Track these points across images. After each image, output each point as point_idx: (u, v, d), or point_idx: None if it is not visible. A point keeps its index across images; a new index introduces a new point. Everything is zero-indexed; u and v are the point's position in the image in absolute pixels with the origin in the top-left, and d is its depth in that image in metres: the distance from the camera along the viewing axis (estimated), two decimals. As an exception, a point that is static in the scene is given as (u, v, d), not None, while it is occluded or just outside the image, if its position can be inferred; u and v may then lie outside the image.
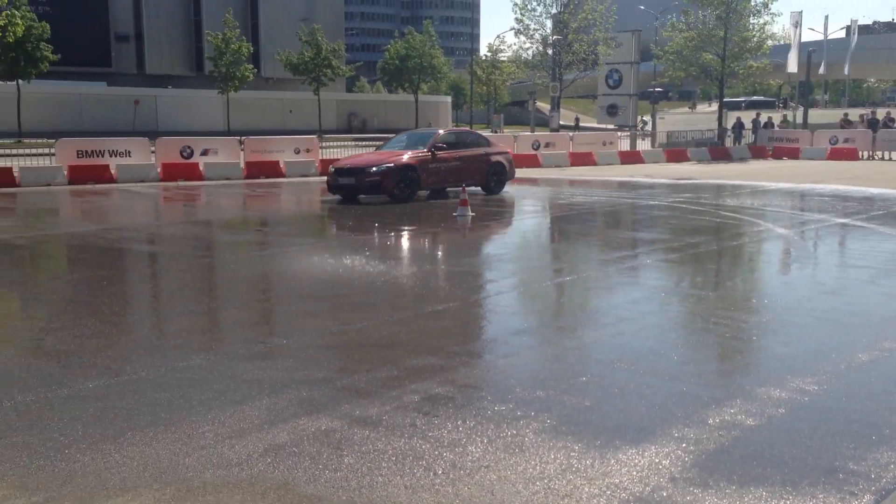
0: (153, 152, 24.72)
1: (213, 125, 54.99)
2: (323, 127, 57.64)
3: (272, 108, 64.73)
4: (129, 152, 24.18)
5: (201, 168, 24.67)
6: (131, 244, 12.21)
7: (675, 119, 49.18)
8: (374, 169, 17.73)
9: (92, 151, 23.50)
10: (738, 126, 39.11)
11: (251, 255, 11.46)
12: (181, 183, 23.33)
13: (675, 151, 34.78)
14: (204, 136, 32.05)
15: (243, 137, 27.98)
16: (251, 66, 55.08)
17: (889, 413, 5.12)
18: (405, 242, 13.14)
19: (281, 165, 26.05)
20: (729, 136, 38.76)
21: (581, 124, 63.65)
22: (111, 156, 23.71)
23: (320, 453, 4.52)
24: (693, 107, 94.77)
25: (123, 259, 11.27)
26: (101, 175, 22.82)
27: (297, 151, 26.89)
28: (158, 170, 23.98)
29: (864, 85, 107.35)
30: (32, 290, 9.49)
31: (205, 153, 25.21)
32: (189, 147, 25.05)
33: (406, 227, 14.94)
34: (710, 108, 72.68)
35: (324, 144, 29.94)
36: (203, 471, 4.30)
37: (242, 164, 25.64)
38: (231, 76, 52.36)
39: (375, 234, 13.71)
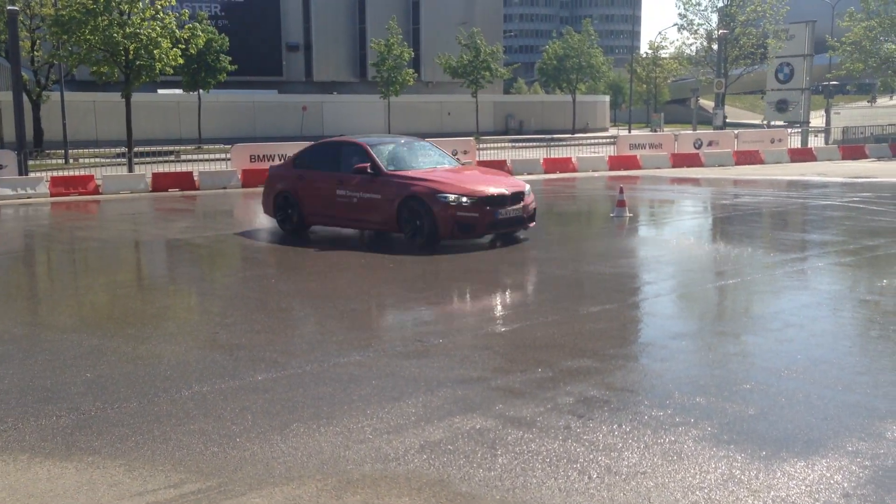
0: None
1: (375, 128, 56.73)
2: (480, 129, 58.21)
3: (431, 110, 65.97)
4: (297, 157, 25.36)
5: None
6: (308, 244, 12.78)
7: (853, 114, 46.16)
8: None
9: (263, 156, 24.83)
10: None
11: (409, 254, 11.72)
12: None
13: (852, 148, 32.67)
14: (366, 139, 33.10)
15: (403, 140, 28.66)
16: (412, 70, 56.43)
17: None
18: (560, 242, 13.04)
19: (438, 167, 26.51)
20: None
21: (730, 121, 60.49)
22: (281, 160, 24.92)
23: (475, 452, 4.57)
24: (872, 100, 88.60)
25: (290, 258, 11.83)
26: (271, 178, 24.04)
27: (455, 153, 27.28)
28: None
29: None
30: (208, 286, 10.14)
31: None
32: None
33: (560, 227, 14.80)
34: (891, 102, 67.78)
35: (481, 146, 30.24)
36: (362, 464, 4.46)
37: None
38: (392, 81, 53.84)
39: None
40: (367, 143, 12.99)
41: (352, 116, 61.04)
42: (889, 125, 37.47)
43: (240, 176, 23.86)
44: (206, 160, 27.89)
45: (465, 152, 27.56)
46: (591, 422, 4.98)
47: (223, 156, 26.59)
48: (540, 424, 4.95)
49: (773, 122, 42.02)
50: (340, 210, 12.74)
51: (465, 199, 11.53)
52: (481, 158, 28.32)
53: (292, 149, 25.76)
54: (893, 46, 36.75)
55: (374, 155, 12.51)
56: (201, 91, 45.75)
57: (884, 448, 4.48)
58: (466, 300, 8.68)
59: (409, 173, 12.29)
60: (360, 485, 4.21)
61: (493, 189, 11.85)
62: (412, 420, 5.06)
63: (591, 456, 4.49)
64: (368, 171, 12.29)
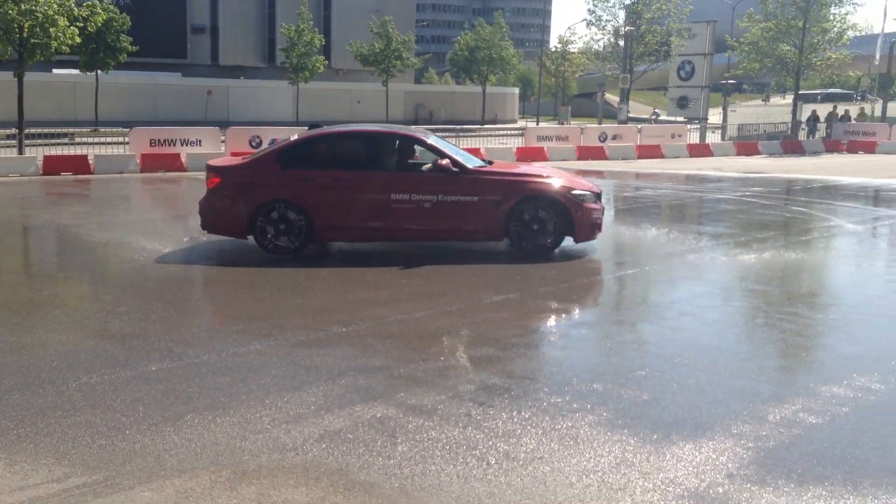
0: (223, 142, 25.20)
1: (283, 116, 55.83)
2: (390, 118, 57.95)
3: (341, 99, 65.31)
4: (200, 141, 24.70)
5: (270, 158, 25.07)
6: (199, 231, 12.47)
7: (748, 112, 47.89)
8: None
9: (164, 140, 24.09)
10: (813, 119, 37.95)
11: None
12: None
13: (746, 145, 33.94)
14: (273, 126, 32.57)
15: (311, 128, 28.30)
16: (322, 57, 55.71)
17: (962, 416, 4.92)
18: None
19: (347, 156, 26.30)
20: (803, 130, 37.67)
21: (631, 115, 62.62)
22: (182, 145, 24.26)
23: (375, 440, 4.56)
24: (766, 99, 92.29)
25: (191, 246, 11.52)
26: (172, 163, 23.35)
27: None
28: (228, 159, 24.45)
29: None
30: (101, 274, 9.79)
31: (273, 143, 25.58)
32: (258, 137, 25.45)
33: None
34: (784, 101, 70.69)
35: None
36: (259, 454, 4.38)
37: (310, 155, 25.97)
38: (302, 67, 53.03)
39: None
40: (419, 134, 11.03)
41: (259, 102, 59.91)
42: (781, 123, 39.08)
43: (138, 160, 23.09)
44: (103, 143, 26.88)
45: (374, 141, 27.40)
46: (491, 409, 5.03)
47: (121, 139, 25.68)
48: (441, 412, 4.97)
49: (660, 118, 43.27)
50: (396, 219, 10.21)
51: (593, 195, 10.43)
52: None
53: (196, 134, 25.16)
54: (787, 48, 38.27)
55: (447, 149, 10.53)
56: (100, 72, 44.03)
57: (766, 430, 4.68)
58: (371, 289, 8.62)
59: (496, 169, 10.74)
60: (256, 476, 4.14)
61: (591, 184, 11.00)
62: (312, 409, 5.01)
63: (491, 442, 4.54)
64: (453, 168, 10.13)
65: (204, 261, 10.19)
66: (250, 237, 10.21)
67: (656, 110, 61.63)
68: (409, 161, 10.55)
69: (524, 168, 11.59)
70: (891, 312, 7.63)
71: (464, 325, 7.00)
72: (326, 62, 58.58)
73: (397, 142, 10.79)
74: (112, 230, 12.87)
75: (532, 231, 10.16)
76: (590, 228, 10.33)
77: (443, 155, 10.23)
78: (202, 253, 10.62)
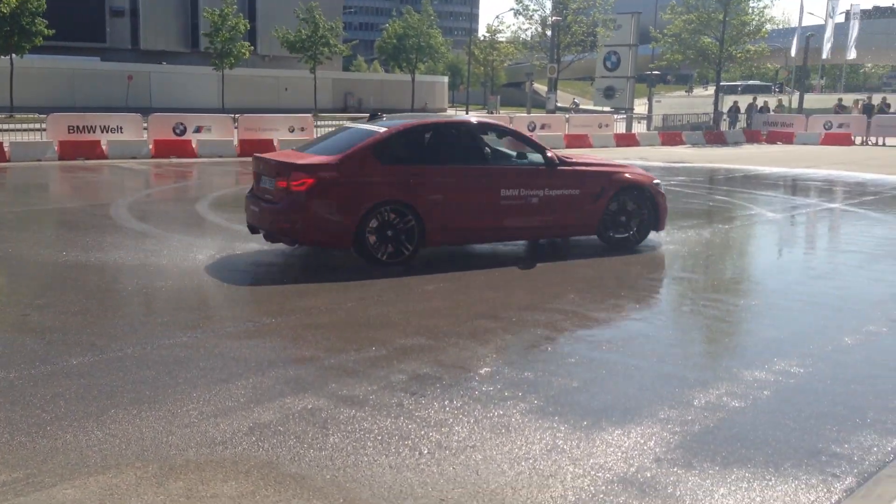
0: (146, 129, 24.54)
1: (208, 102, 54.62)
2: (318, 106, 57.36)
3: (267, 86, 64.33)
4: (121, 128, 23.99)
5: (194, 145, 24.51)
6: (120, 221, 12.13)
7: (672, 102, 49.01)
8: None
9: (83, 127, 23.32)
10: (734, 110, 39.04)
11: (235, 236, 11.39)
12: (173, 160, 23.21)
13: (671, 135, 34.69)
14: (198, 113, 31.87)
15: (237, 115, 27.81)
16: (247, 43, 54.72)
17: (873, 397, 5.12)
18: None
19: (275, 143, 25.89)
20: (724, 120, 38.68)
21: (582, 107, 63.54)
22: (103, 132, 23.51)
23: (305, 432, 4.51)
24: (690, 90, 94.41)
25: (112, 236, 11.21)
26: (91, 151, 22.65)
27: (292, 130, 26.75)
28: (150, 146, 23.80)
29: (861, 70, 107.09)
30: (18, 266, 9.43)
31: (198, 130, 25.05)
32: (182, 124, 24.88)
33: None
34: (706, 92, 72.50)
35: (318, 123, 29.82)
36: (186, 449, 4.29)
37: (236, 142, 25.51)
38: (227, 53, 51.99)
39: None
40: (508, 125, 10.72)
41: (182, 88, 58.55)
42: (703, 114, 40.06)
43: (56, 148, 22.31)
44: (19, 130, 25.90)
45: (303, 129, 27.07)
46: (423, 399, 5.03)
47: (38, 126, 24.78)
48: (373, 402, 4.95)
49: (580, 107, 43.87)
50: (506, 216, 9.51)
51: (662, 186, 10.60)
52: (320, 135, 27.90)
53: (116, 120, 24.40)
54: (709, 40, 39.21)
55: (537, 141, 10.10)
56: (14, 56, 42.38)
57: (692, 415, 4.79)
58: (299, 280, 8.52)
59: (587, 160, 10.61)
60: (184, 470, 4.05)
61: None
62: (241, 402, 4.93)
63: (423, 432, 4.53)
64: (556, 160, 9.69)
65: (124, 251, 9.91)
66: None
67: (575, 99, 63.21)
68: (502, 153, 9.94)
69: (602, 159, 11.40)
70: (808, 298, 7.90)
71: (397, 315, 6.98)
72: (252, 48, 57.60)
73: (494, 133, 10.17)
74: (31, 221, 12.43)
75: (621, 223, 10.07)
76: (665, 219, 10.48)
77: (540, 147, 9.72)
78: (123, 244, 10.33)
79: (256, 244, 9.90)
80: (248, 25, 55.18)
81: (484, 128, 10.15)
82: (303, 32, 58.02)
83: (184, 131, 24.77)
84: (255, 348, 5.99)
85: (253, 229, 9.62)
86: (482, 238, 9.84)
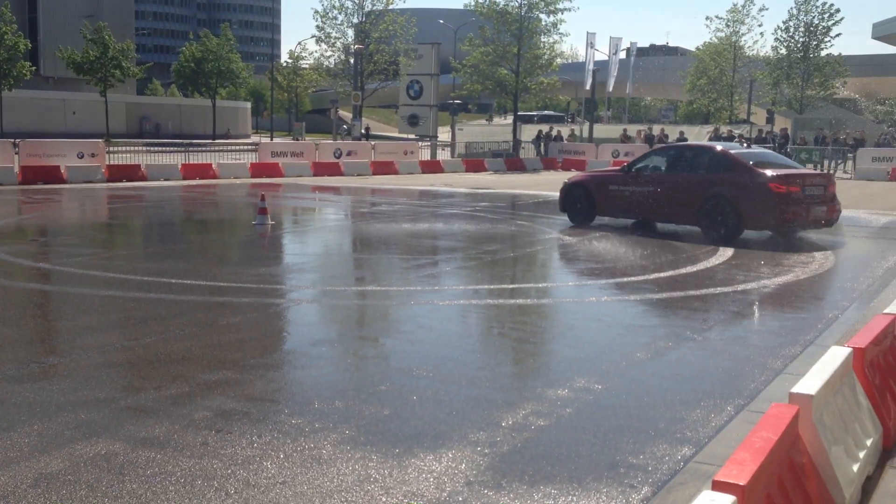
0: None
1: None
2: (111, 131, 54.45)
3: (53, 108, 60.36)
4: None
5: (-32, 172, 22.53)
6: None
7: (474, 130, 50.70)
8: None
9: None
10: (539, 139, 40.99)
11: (31, 269, 10.54)
12: (-55, 188, 21.18)
13: (474, 161, 35.86)
14: (-27, 137, 29.33)
15: (18, 140, 25.81)
16: (29, 63, 51.12)
17: (663, 408, 5.47)
18: (200, 250, 12.58)
19: (62, 171, 24.31)
20: (523, 148, 40.50)
21: (372, 132, 63.93)
22: None
23: (99, 480, 4.19)
24: (490, 119, 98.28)
25: None
26: None
27: (81, 156, 25.20)
28: (-84, 174, 21.63)
29: (642, 103, 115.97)
30: None
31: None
32: (-46, 149, 22.79)
33: (201, 235, 14.30)
34: (505, 121, 75.66)
35: (111, 149, 28.28)
36: (-40, 508, 3.87)
37: (17, 169, 23.67)
38: (5, 74, 48.31)
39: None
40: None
41: (-46, 110, 53.65)
42: (504, 142, 41.80)
43: None
44: None
45: (94, 155, 25.56)
46: (229, 435, 4.83)
47: None
48: (174, 443, 4.69)
49: (363, 131, 44.47)
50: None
51: None
52: (113, 162, 26.48)
53: None
54: (505, 71, 41.03)
55: None
56: None
57: (500, 436, 4.91)
58: (90, 315, 7.97)
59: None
60: (-43, 534, 3.64)
61: None
62: (25, 451, 4.51)
63: (230, 471, 4.34)
64: None
65: None
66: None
67: (344, 125, 64.33)
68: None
69: None
70: (603, 317, 8.35)
71: (201, 349, 6.67)
72: (34, 69, 53.93)
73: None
74: None
75: None
76: None
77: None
78: None
79: (43, 284, 9.17)
80: (30, 45, 51.63)
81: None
82: (91, 53, 55.06)
83: (-44, 156, 22.69)
84: (40, 391, 5.52)
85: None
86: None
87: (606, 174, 16.97)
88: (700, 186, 13.96)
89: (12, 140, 26.09)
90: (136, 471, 4.31)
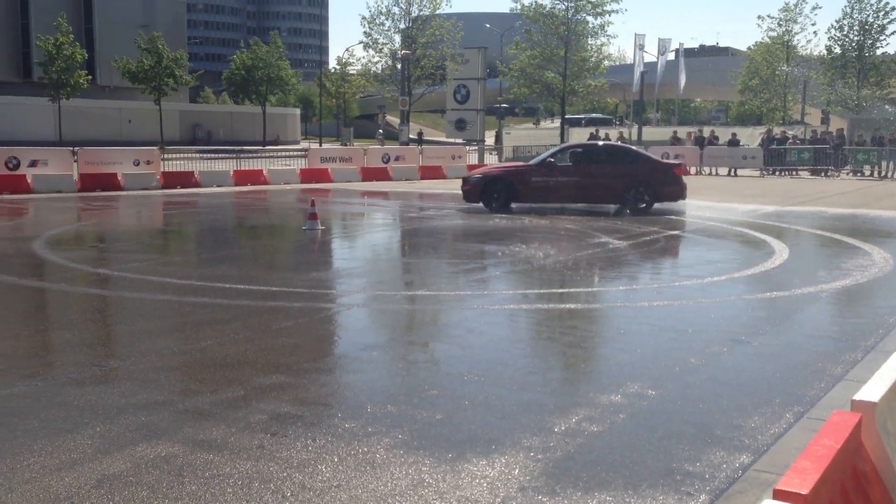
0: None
1: (44, 135, 51.83)
2: (165, 138, 55.53)
3: (109, 117, 61.73)
4: (-53, 163, 22.38)
5: (29, 180, 23.16)
6: None
7: (521, 134, 50.59)
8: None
9: None
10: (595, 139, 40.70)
11: (91, 274, 10.80)
12: (6, 196, 21.80)
13: (521, 166, 35.73)
14: (33, 146, 30.14)
15: (77, 148, 26.48)
16: (85, 72, 52.42)
17: (719, 414, 5.40)
18: (252, 256, 12.77)
19: (119, 178, 24.85)
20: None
21: (425, 138, 64.39)
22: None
23: (159, 481, 4.28)
24: (537, 123, 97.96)
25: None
26: (-87, 187, 21.00)
27: (137, 163, 25.73)
28: (-20, 182, 22.31)
29: (692, 105, 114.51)
30: None
31: (33, 164, 23.67)
32: (15, 158, 23.45)
33: (252, 241, 14.52)
34: (552, 125, 75.35)
35: (166, 156, 28.84)
36: (28, 507, 3.98)
37: (76, 177, 24.28)
38: (63, 83, 49.61)
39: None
40: None
41: (15, 120, 55.25)
42: (551, 145, 41.59)
43: None
44: None
45: (149, 162, 26.09)
46: (284, 438, 4.89)
47: None
48: (231, 446, 4.77)
49: (411, 136, 44.65)
50: None
51: None
52: (168, 169, 26.99)
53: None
54: (552, 74, 40.90)
55: None
56: None
57: (553, 441, 4.89)
58: (148, 319, 8.15)
59: None
60: (25, 532, 3.75)
61: None
62: (89, 453, 4.63)
63: (285, 474, 4.40)
64: None
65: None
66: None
67: (380, 130, 65.56)
68: None
69: None
70: (653, 321, 8.26)
71: (255, 353, 6.77)
72: (91, 78, 55.28)
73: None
74: None
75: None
76: None
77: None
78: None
79: (102, 289, 9.41)
80: (86, 55, 52.99)
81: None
82: (145, 63, 56.22)
83: (17, 165, 23.38)
84: (102, 394, 5.66)
85: None
86: None
87: (524, 168, 20.00)
88: (626, 173, 18.82)
89: (71, 148, 26.76)
90: (195, 472, 4.40)
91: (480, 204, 19.03)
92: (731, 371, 6.47)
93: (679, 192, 18.84)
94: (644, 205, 18.64)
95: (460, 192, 19.63)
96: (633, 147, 22.83)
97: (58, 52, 49.54)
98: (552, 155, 19.63)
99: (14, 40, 70.18)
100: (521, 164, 21.40)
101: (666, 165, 19.94)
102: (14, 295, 9.37)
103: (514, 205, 18.99)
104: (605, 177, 18.73)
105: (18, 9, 70.18)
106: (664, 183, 18.70)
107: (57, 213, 18.82)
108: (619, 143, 31.40)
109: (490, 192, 18.99)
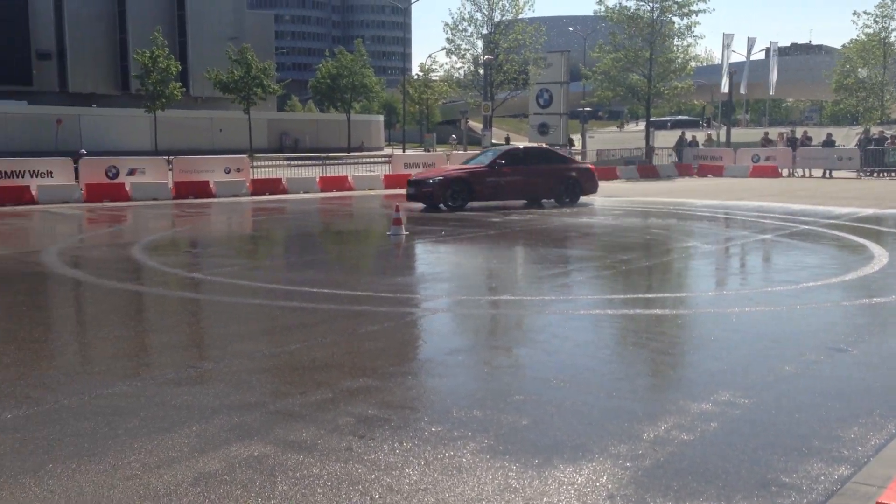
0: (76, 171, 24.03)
1: (140, 145, 53.89)
2: (254, 146, 57.00)
3: (201, 127, 63.73)
4: (51, 172, 23.45)
5: (128, 188, 24.10)
6: (51, 268, 11.79)
7: (605, 138, 50.15)
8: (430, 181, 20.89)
9: (11, 172, 22.72)
10: (681, 144, 39.80)
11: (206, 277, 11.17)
12: (107, 204, 22.74)
13: (605, 170, 35.27)
14: (130, 155, 31.35)
15: (171, 157, 27.43)
16: (179, 84, 54.27)
17: (818, 424, 5.22)
18: (338, 261, 12.99)
19: (211, 185, 25.63)
20: (656, 155, 39.58)
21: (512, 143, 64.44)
22: (32, 176, 22.95)
23: (253, 481, 4.39)
24: (621, 126, 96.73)
25: (43, 284, 10.87)
26: (21, 196, 22.08)
27: (228, 171, 26.49)
28: (82, 190, 23.31)
29: (783, 105, 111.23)
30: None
31: (131, 173, 24.63)
32: (115, 167, 24.44)
33: (338, 246, 14.75)
34: (637, 128, 74.32)
35: (255, 164, 29.60)
36: (129, 503, 4.13)
37: (171, 184, 25.15)
38: (158, 95, 51.49)
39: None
40: None
41: (114, 131, 57.64)
42: (636, 149, 40.99)
43: (-15, 194, 21.70)
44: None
45: (239, 170, 26.83)
46: (372, 441, 4.95)
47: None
48: (321, 447, 4.85)
49: (493, 141, 44.75)
50: None
51: None
52: (256, 177, 27.69)
53: (46, 164, 23.81)
54: (637, 77, 40.27)
55: None
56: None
57: (642, 449, 4.81)
58: (239, 322, 8.37)
59: None
60: (127, 527, 3.90)
61: None
62: (185, 451, 4.78)
63: (373, 476, 4.46)
64: None
65: (58, 300, 9.64)
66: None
67: (453, 135, 67.03)
68: None
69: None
70: (745, 328, 8.05)
71: (342, 356, 6.88)
72: (184, 89, 57.19)
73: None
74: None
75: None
76: None
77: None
78: (57, 292, 10.04)
79: (196, 293, 9.72)
80: (180, 67, 54.87)
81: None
82: (235, 73, 57.85)
83: (117, 174, 24.35)
84: (197, 395, 5.84)
85: None
86: None
87: (478, 170, 21.46)
88: (558, 172, 21.87)
89: (166, 157, 27.74)
90: (287, 473, 4.49)
91: (422, 205, 20.73)
92: (829, 380, 6.25)
93: (594, 188, 22.61)
94: (569, 199, 21.67)
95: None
96: (557, 150, 26.11)
97: (153, 64, 51.48)
98: (500, 157, 21.67)
99: (113, 54, 73.23)
100: (469, 166, 22.23)
101: (585, 166, 24.16)
102: (114, 298, 9.76)
103: (469, 203, 20.69)
104: (542, 175, 21.48)
105: (117, 24, 73.20)
106: (587, 180, 22.35)
107: (153, 220, 19.53)
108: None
109: (452, 192, 20.60)
